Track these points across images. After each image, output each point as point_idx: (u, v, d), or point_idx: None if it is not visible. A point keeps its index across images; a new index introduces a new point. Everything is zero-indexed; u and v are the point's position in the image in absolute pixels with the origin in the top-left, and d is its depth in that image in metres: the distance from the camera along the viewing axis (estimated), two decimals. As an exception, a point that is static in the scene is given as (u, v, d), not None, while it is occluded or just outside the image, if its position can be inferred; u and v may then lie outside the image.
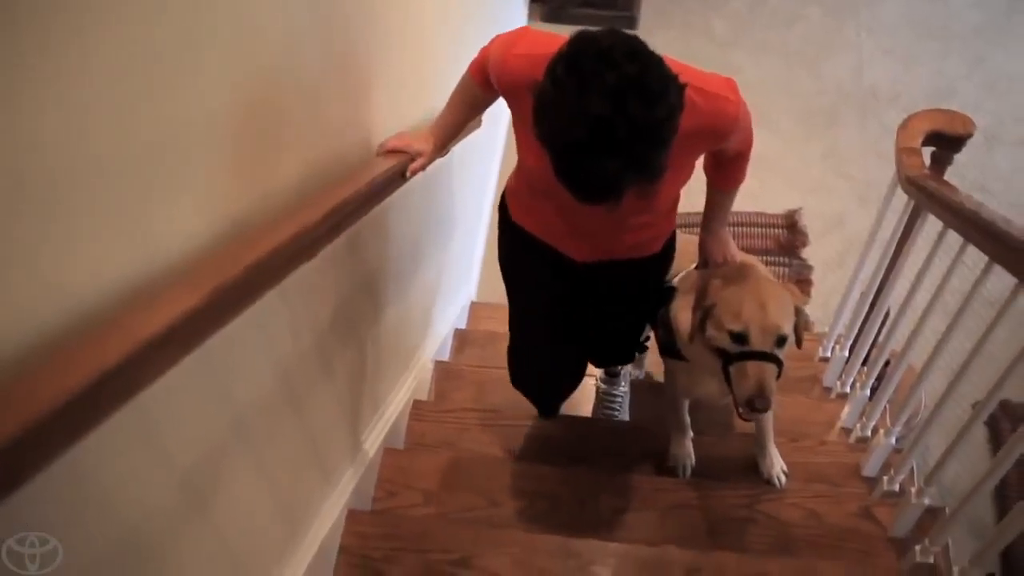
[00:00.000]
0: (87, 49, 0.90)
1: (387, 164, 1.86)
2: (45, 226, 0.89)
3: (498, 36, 1.73)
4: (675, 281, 2.13)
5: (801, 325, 1.87)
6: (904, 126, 2.32)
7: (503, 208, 2.04)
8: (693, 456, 2.39)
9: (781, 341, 1.79)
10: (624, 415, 2.76)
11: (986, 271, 1.80)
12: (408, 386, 2.63)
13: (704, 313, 1.87)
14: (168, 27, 1.05)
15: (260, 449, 1.61)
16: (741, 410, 1.80)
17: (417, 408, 2.65)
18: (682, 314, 1.98)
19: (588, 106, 1.24)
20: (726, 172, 1.90)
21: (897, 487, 2.17)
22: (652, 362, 2.80)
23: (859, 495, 2.25)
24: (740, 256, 2.07)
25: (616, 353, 2.47)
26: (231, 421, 1.45)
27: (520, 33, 1.65)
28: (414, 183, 2.03)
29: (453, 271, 3.12)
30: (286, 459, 1.76)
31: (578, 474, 2.38)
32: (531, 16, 5.19)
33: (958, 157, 2.32)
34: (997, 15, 5.24)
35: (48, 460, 0.83)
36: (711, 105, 1.54)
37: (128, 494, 1.15)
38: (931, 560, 1.90)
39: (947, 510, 1.93)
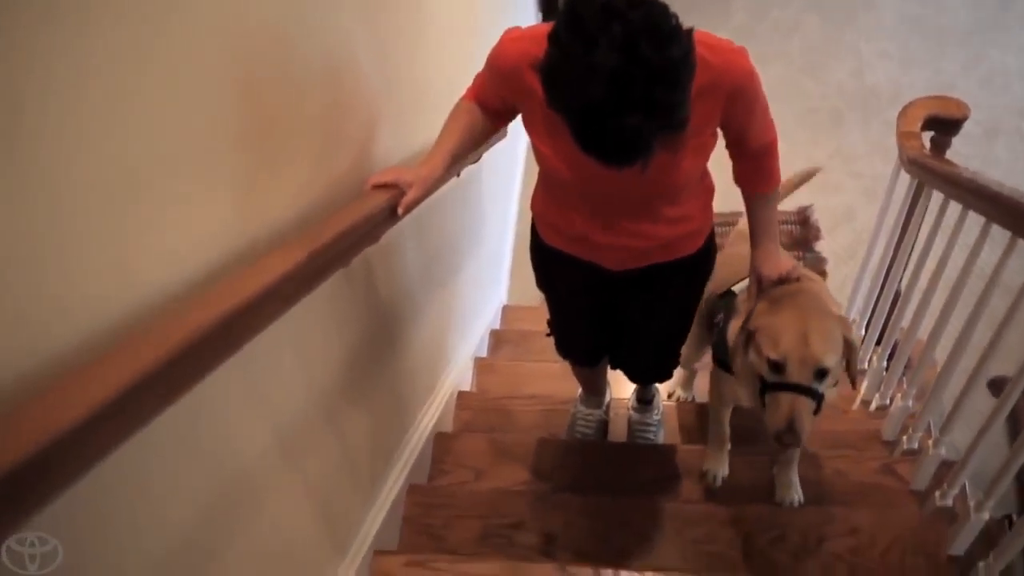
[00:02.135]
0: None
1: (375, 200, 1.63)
2: (123, 218, 0.98)
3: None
4: (737, 289, 2.08)
5: (854, 360, 1.75)
6: (903, 113, 2.47)
7: (534, 233, 2.00)
8: (727, 467, 2.40)
9: (821, 374, 1.69)
10: (659, 441, 2.68)
11: (983, 234, 1.96)
12: (452, 378, 2.81)
13: (746, 336, 1.80)
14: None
15: (340, 424, 1.79)
16: (772, 443, 1.76)
17: (462, 398, 2.84)
18: (735, 332, 1.93)
19: (600, 61, 1.18)
20: (757, 171, 1.79)
21: (916, 445, 2.33)
22: (700, 390, 2.92)
23: (881, 456, 2.40)
24: (800, 271, 1.90)
25: (652, 368, 2.35)
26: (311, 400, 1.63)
27: (511, 28, 1.62)
28: (447, 188, 2.02)
29: (486, 273, 3.28)
30: (354, 439, 1.94)
31: (621, 448, 2.55)
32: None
33: (960, 149, 2.45)
34: (989, 13, 5.43)
35: (113, 445, 0.88)
36: (721, 59, 1.48)
37: (179, 496, 1.20)
38: (950, 503, 2.06)
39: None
